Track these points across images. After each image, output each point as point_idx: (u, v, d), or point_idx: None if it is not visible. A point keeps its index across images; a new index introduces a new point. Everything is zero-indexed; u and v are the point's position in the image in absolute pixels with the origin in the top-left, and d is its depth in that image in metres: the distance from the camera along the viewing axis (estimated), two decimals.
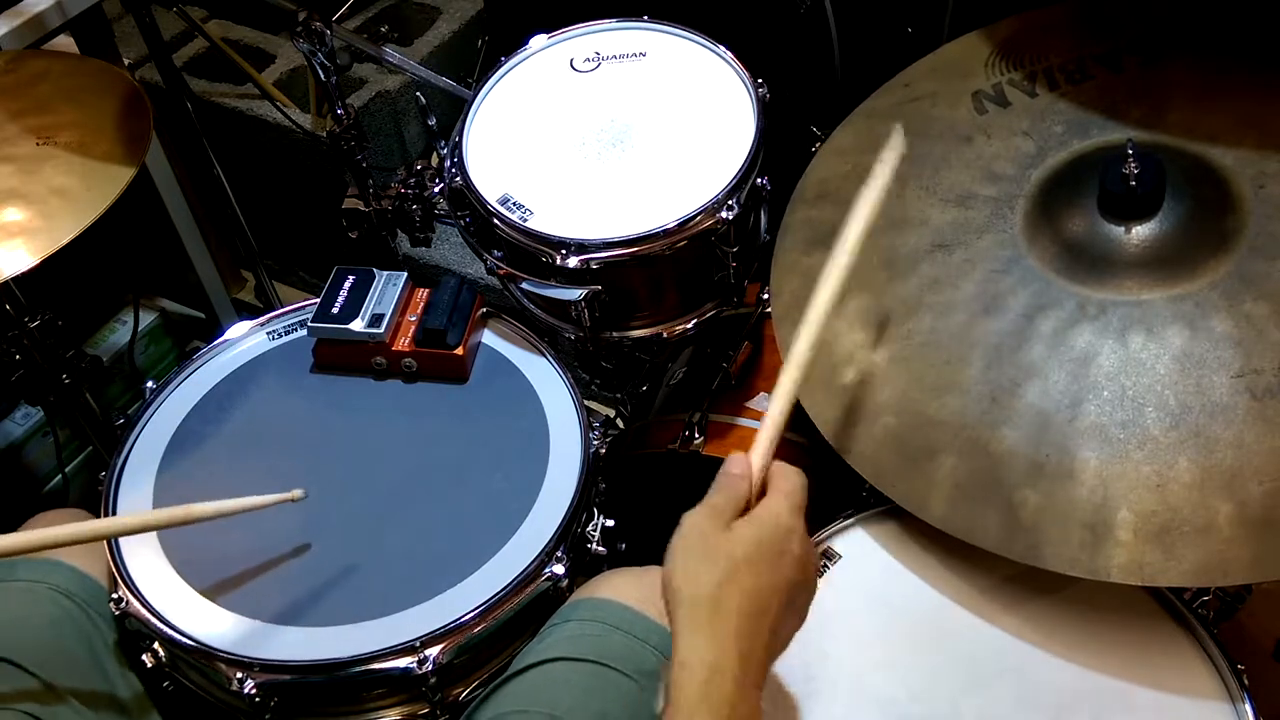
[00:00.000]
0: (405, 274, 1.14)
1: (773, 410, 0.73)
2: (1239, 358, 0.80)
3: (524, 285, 1.08)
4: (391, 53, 1.60)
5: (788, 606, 0.66)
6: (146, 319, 1.86)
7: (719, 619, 0.62)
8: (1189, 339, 0.82)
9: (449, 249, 1.84)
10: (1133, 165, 0.86)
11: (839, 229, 0.79)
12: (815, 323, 0.75)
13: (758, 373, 1.25)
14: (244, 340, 1.16)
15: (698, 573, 0.64)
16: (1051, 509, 0.80)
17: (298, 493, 0.92)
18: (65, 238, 1.00)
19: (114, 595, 0.94)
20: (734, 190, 1.04)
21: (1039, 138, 0.98)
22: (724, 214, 1.03)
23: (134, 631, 0.94)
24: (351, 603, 0.92)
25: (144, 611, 0.92)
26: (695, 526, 0.67)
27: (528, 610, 0.93)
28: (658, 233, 1.02)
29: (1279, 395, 0.78)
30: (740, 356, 1.26)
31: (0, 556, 0.85)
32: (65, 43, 1.50)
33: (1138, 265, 0.87)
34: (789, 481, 0.69)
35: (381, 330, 1.08)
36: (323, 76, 1.22)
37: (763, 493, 0.70)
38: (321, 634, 0.91)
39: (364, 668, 0.88)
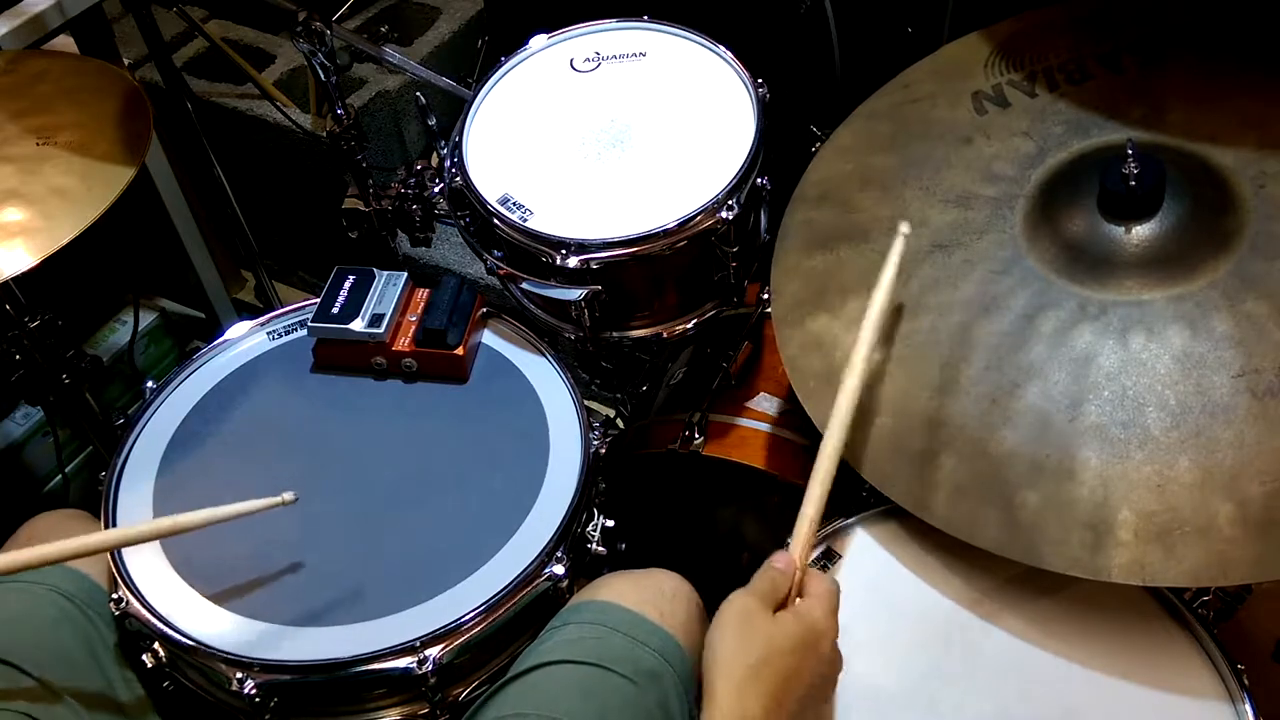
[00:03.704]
0: (405, 274, 1.14)
1: (807, 506, 0.78)
2: (1239, 357, 0.80)
3: (524, 285, 1.08)
4: (391, 53, 1.60)
5: (808, 697, 0.73)
6: (146, 319, 1.86)
7: (750, 692, 0.69)
8: (1189, 339, 0.82)
9: (449, 249, 1.84)
10: (1133, 165, 0.86)
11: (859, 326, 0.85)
12: (844, 414, 0.81)
13: (758, 373, 1.25)
14: (244, 340, 1.16)
15: (738, 648, 0.71)
16: (1052, 509, 0.80)
17: (288, 495, 0.91)
18: (65, 238, 1.00)
19: (114, 596, 0.93)
20: (734, 190, 1.04)
21: (1039, 138, 0.98)
22: (724, 214, 1.03)
23: (134, 632, 0.94)
24: (352, 603, 0.92)
25: (144, 612, 0.92)
26: (742, 606, 0.73)
27: (528, 610, 0.93)
28: (658, 233, 1.02)
29: (1279, 395, 0.78)
30: (740, 356, 1.26)
31: None
32: (65, 43, 1.50)
33: (1138, 265, 0.87)
34: (825, 588, 0.76)
35: (381, 330, 1.08)
36: (323, 76, 1.22)
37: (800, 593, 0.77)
38: (321, 634, 0.90)
39: (364, 668, 0.88)
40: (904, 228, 0.90)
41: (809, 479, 0.79)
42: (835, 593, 0.76)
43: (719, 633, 0.72)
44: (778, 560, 0.77)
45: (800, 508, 0.79)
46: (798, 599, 0.76)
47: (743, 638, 0.71)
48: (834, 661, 0.76)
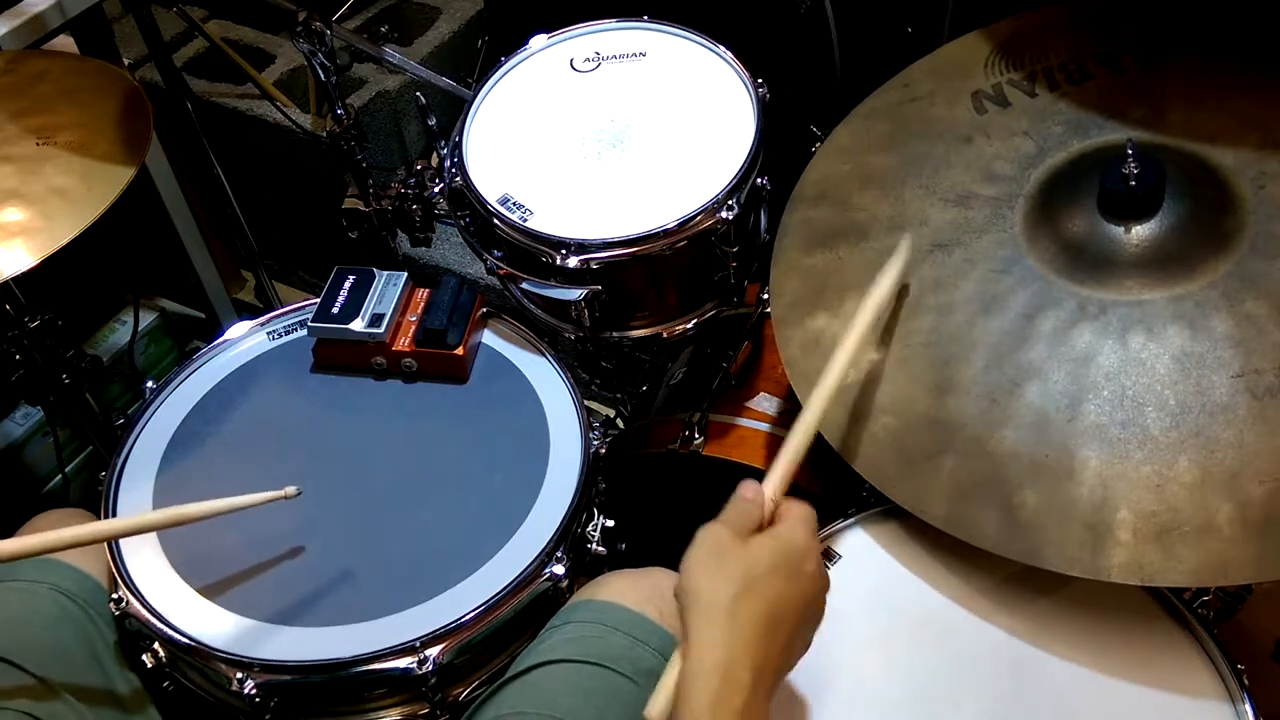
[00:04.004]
0: (405, 274, 1.14)
1: (789, 447, 0.74)
2: (1239, 358, 0.80)
3: (524, 285, 1.08)
4: (391, 53, 1.60)
5: (799, 624, 0.68)
6: (146, 319, 1.86)
7: (734, 628, 0.63)
8: (1189, 339, 0.82)
9: (449, 249, 1.84)
10: (1133, 165, 0.86)
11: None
12: (832, 382, 0.79)
13: (758, 373, 1.25)
14: (244, 340, 1.16)
15: (714, 581, 0.65)
16: (1051, 509, 0.80)
17: (291, 489, 0.91)
18: (65, 238, 1.01)
19: (114, 595, 0.94)
20: (734, 190, 1.04)
21: (1039, 138, 0.98)
22: (724, 214, 1.03)
23: (134, 631, 0.94)
24: (351, 603, 0.92)
25: (144, 612, 0.92)
26: (712, 537, 0.68)
27: (528, 610, 0.93)
28: (658, 233, 1.02)
29: (1279, 395, 0.78)
30: (740, 356, 1.26)
31: None
32: (65, 43, 1.50)
33: (1138, 265, 0.87)
34: (800, 508, 0.71)
35: (381, 330, 1.08)
36: (323, 76, 1.22)
37: (773, 523, 0.72)
38: (321, 634, 0.91)
39: (364, 668, 0.88)
40: (904, 246, 0.90)
41: (793, 425, 0.76)
42: (811, 513, 0.71)
43: (689, 570, 0.66)
44: (746, 490, 0.71)
45: (780, 450, 0.75)
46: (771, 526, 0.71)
47: (717, 570, 0.66)
48: (820, 580, 0.70)
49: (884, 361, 0.90)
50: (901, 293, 0.92)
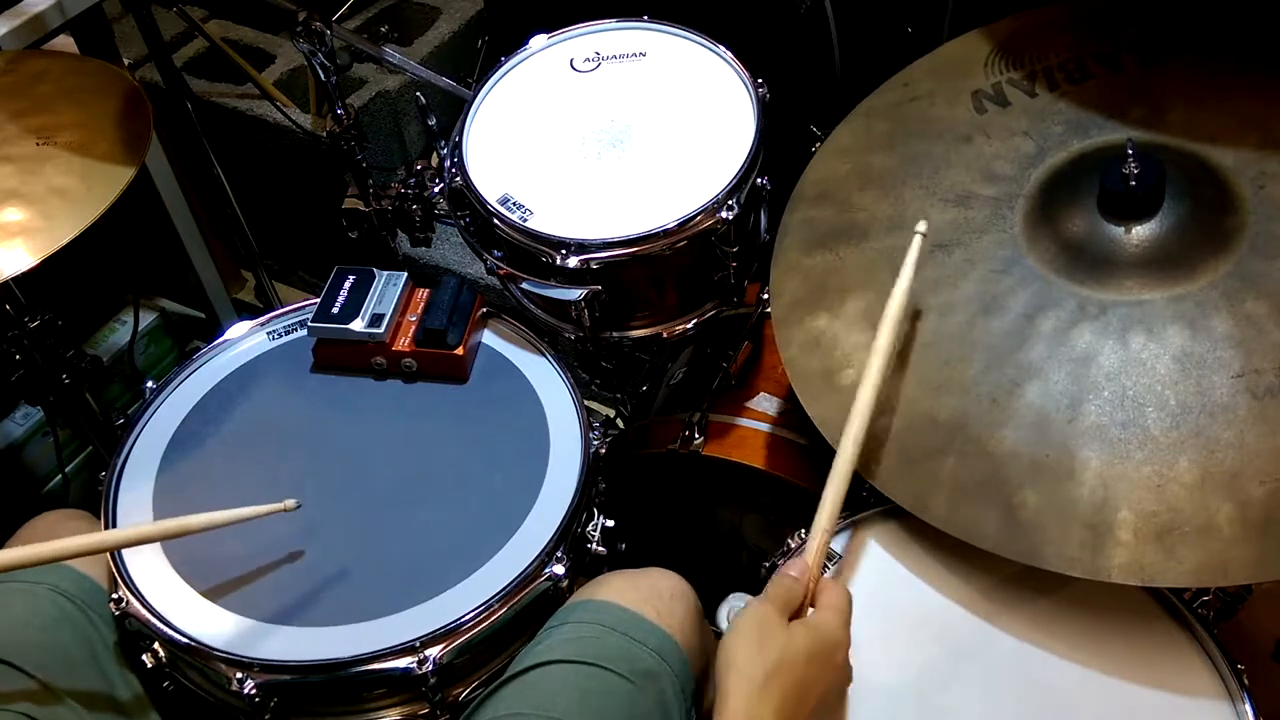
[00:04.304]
0: (405, 274, 1.14)
1: (821, 517, 0.80)
2: (1239, 358, 0.80)
3: (524, 285, 1.08)
4: (391, 53, 1.60)
5: (819, 706, 0.74)
6: (146, 319, 1.86)
7: (763, 700, 0.70)
8: (1189, 339, 0.82)
9: (449, 249, 1.84)
10: (1133, 165, 0.86)
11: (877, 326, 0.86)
12: (861, 419, 0.82)
13: (758, 373, 1.25)
14: (244, 340, 1.16)
15: (753, 655, 0.72)
16: (1052, 509, 0.80)
17: (290, 503, 0.92)
18: (65, 238, 1.01)
19: (114, 596, 0.93)
20: (734, 190, 1.03)
21: (1039, 138, 0.98)
22: (724, 214, 1.03)
23: (134, 632, 0.94)
24: (351, 603, 0.92)
25: (144, 612, 0.92)
26: (758, 614, 0.75)
27: (528, 610, 0.93)
28: (658, 233, 1.01)
29: (1279, 395, 0.78)
30: (740, 356, 1.26)
31: None
32: (65, 43, 1.50)
33: (1138, 265, 0.87)
34: (840, 598, 0.77)
35: (381, 330, 1.08)
36: (323, 76, 1.22)
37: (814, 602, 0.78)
38: (321, 634, 0.90)
39: (364, 668, 0.88)
40: (921, 226, 0.89)
41: (824, 486, 0.80)
42: (849, 603, 0.77)
43: (735, 640, 0.73)
44: (792, 568, 0.78)
45: (814, 516, 0.80)
46: (811, 609, 0.77)
47: (758, 646, 0.72)
48: (846, 672, 0.77)
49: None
50: (914, 317, 0.91)
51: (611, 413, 1.50)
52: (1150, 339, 0.83)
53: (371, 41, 1.80)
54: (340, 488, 1.02)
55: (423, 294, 1.13)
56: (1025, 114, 1.00)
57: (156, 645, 0.93)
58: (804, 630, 0.74)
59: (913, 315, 0.91)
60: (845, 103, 1.11)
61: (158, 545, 0.97)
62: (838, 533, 0.93)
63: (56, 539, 0.97)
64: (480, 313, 1.13)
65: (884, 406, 0.88)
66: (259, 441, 1.07)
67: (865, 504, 0.94)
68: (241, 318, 1.21)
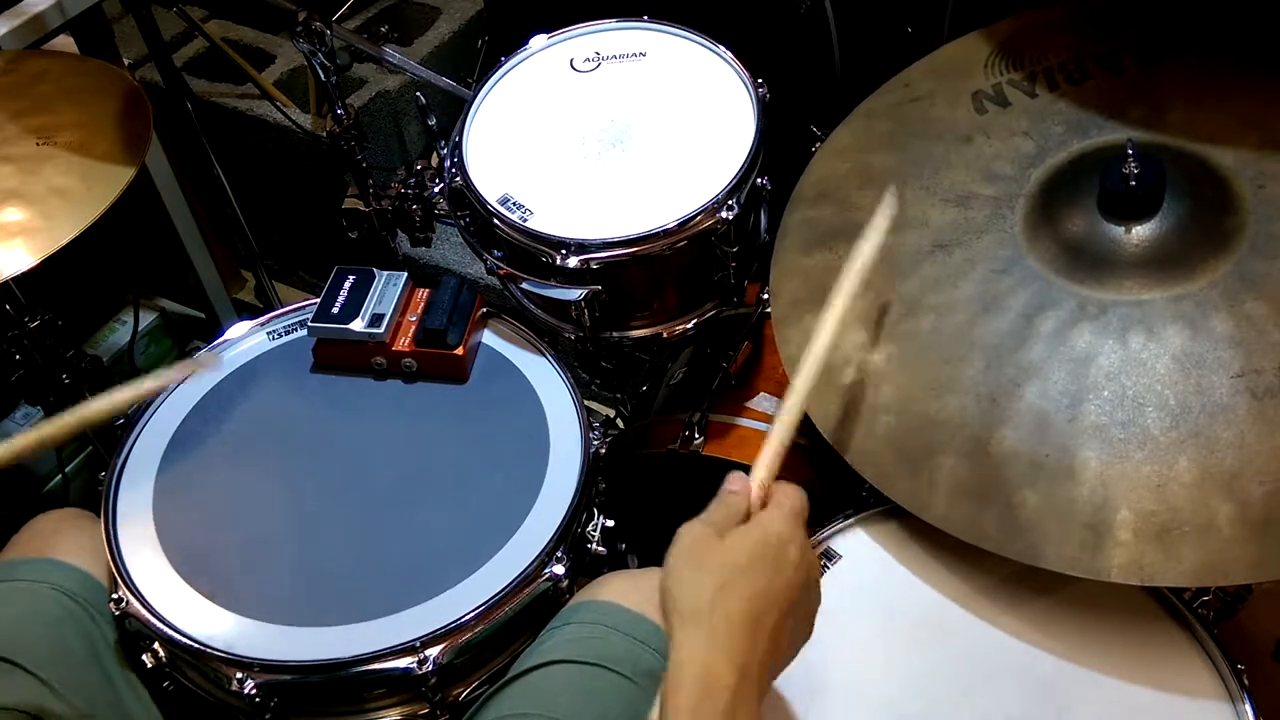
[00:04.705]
0: (405, 274, 1.14)
1: (776, 432, 0.73)
2: (1239, 358, 0.80)
3: (524, 285, 1.08)
4: (391, 53, 1.60)
5: (788, 615, 0.65)
6: (146, 319, 1.86)
7: (714, 628, 0.62)
8: (1189, 339, 0.82)
9: (449, 249, 1.84)
10: (1133, 165, 0.86)
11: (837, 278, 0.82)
12: (819, 353, 0.76)
13: (758, 373, 1.25)
14: (244, 340, 1.16)
15: (692, 581, 0.64)
16: (1051, 509, 0.80)
17: (206, 355, 0.84)
18: (65, 238, 1.01)
19: (114, 596, 0.94)
20: (734, 190, 1.03)
21: (1039, 138, 0.98)
22: (724, 214, 1.03)
23: (134, 632, 0.94)
24: (351, 603, 0.92)
25: (144, 612, 0.92)
26: (690, 536, 0.66)
27: (528, 610, 0.93)
28: (658, 233, 1.02)
29: (1279, 395, 0.78)
30: (740, 356, 1.26)
31: None
32: (65, 43, 1.50)
33: (1138, 265, 0.87)
34: (786, 494, 0.69)
35: (381, 330, 1.08)
36: (323, 76, 1.22)
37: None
38: (321, 634, 0.90)
39: (364, 668, 0.88)
40: (890, 196, 0.87)
41: (778, 411, 0.74)
42: (799, 497, 0.69)
43: (668, 573, 0.65)
44: (731, 482, 0.70)
45: (768, 435, 0.73)
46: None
47: (694, 570, 0.64)
48: (806, 566, 0.67)
49: (884, 361, 0.90)
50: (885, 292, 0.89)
51: (611, 413, 1.50)
52: (1150, 339, 0.83)
53: (371, 41, 1.80)
54: (340, 488, 1.02)
55: (423, 294, 1.13)
56: (1025, 114, 1.00)
57: (156, 645, 0.93)
58: (741, 535, 0.65)
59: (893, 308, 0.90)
60: (845, 103, 1.11)
61: (157, 545, 0.97)
62: (837, 533, 0.93)
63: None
64: (480, 313, 1.13)
65: (883, 406, 0.89)
66: (259, 441, 1.07)
67: (865, 504, 0.94)
68: (241, 318, 1.21)
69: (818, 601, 0.70)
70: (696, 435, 1.18)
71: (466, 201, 1.11)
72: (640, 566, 1.03)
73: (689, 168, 1.07)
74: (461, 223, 1.14)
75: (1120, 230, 0.88)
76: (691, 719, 0.59)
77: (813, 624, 0.70)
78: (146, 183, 1.72)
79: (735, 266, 1.09)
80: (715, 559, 0.64)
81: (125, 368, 1.79)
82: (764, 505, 0.69)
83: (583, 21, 1.23)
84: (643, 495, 1.25)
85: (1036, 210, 0.93)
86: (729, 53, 1.17)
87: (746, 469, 1.13)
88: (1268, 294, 0.82)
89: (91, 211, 1.02)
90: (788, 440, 0.72)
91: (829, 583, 0.89)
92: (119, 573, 0.94)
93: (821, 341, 0.77)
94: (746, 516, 0.68)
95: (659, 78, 1.17)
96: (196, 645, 0.90)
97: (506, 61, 1.21)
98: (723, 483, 0.70)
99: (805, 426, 0.90)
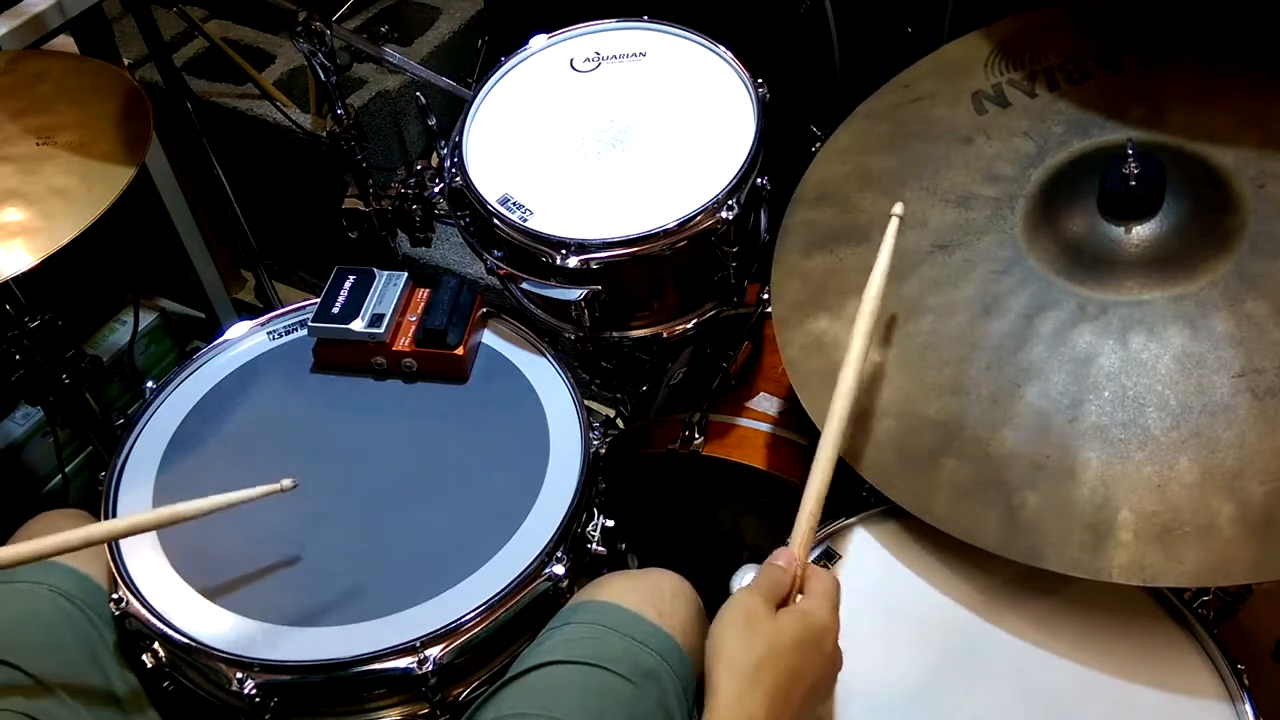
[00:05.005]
0: (405, 274, 1.14)
1: (807, 501, 0.79)
2: (1240, 357, 0.80)
3: (524, 285, 1.08)
4: (391, 53, 1.60)
5: (810, 694, 0.74)
6: (146, 319, 1.86)
7: (754, 690, 0.70)
8: (1189, 339, 0.82)
9: (449, 249, 1.84)
10: (1133, 165, 0.86)
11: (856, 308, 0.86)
12: (844, 401, 0.82)
13: (758, 373, 1.25)
14: (244, 340, 1.16)
15: (744, 643, 0.72)
16: (1052, 509, 0.80)
17: (287, 482, 0.89)
18: (65, 238, 1.00)
19: (114, 596, 0.93)
20: (734, 190, 1.03)
21: (1039, 138, 0.98)
22: (724, 214, 1.03)
23: (134, 632, 0.94)
24: (351, 603, 0.92)
25: (144, 612, 0.92)
26: (745, 604, 0.74)
27: (528, 610, 0.93)
28: (658, 233, 1.01)
29: (1279, 395, 0.78)
30: (740, 356, 1.26)
31: None
32: (65, 43, 1.50)
33: (1138, 265, 0.87)
34: (828, 585, 0.77)
35: (382, 330, 1.08)
36: (323, 76, 1.22)
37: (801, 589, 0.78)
38: (321, 634, 0.90)
39: (364, 668, 0.88)
40: (898, 208, 0.89)
41: (808, 474, 0.80)
42: (837, 589, 0.77)
43: (722, 631, 0.73)
44: (779, 557, 0.78)
45: (800, 504, 0.79)
46: (799, 596, 0.76)
47: (746, 636, 0.72)
48: (836, 658, 0.77)
49: (884, 362, 0.90)
50: (890, 316, 0.91)
51: (611, 413, 1.50)
52: (1150, 339, 0.83)
53: (371, 41, 1.80)
54: (340, 488, 1.02)
55: (423, 294, 1.13)
56: (1025, 114, 1.00)
57: (156, 645, 0.93)
58: (792, 618, 0.74)
59: (890, 317, 0.91)
60: (845, 103, 1.11)
61: (157, 545, 0.97)
62: (837, 533, 0.93)
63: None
64: (480, 313, 1.13)
65: (884, 408, 0.89)
66: (259, 441, 1.07)
67: (865, 504, 0.94)
68: (241, 318, 1.21)
69: (833, 687, 0.79)
70: (696, 435, 1.18)
71: (466, 201, 1.11)
72: (640, 566, 1.03)
73: (689, 168, 1.07)
74: (461, 223, 1.14)
75: (1120, 230, 0.88)
76: None
77: (825, 700, 0.79)
78: (146, 183, 1.72)
79: (735, 266, 1.09)
80: (764, 630, 0.73)
81: (125, 368, 1.79)
82: (802, 584, 0.77)
83: (583, 21, 1.23)
84: (643, 495, 1.25)
85: (1036, 211, 0.93)
86: (729, 53, 1.17)
87: (746, 469, 1.15)
88: (1268, 293, 0.82)
89: (91, 211, 1.02)
90: (819, 511, 0.79)
91: None
92: (119, 572, 0.94)
93: (845, 391, 0.82)
94: (790, 589, 0.77)
95: (659, 78, 1.17)
96: (196, 645, 0.90)
97: (506, 61, 1.21)
98: (770, 556, 0.78)
99: (805, 427, 0.91)
